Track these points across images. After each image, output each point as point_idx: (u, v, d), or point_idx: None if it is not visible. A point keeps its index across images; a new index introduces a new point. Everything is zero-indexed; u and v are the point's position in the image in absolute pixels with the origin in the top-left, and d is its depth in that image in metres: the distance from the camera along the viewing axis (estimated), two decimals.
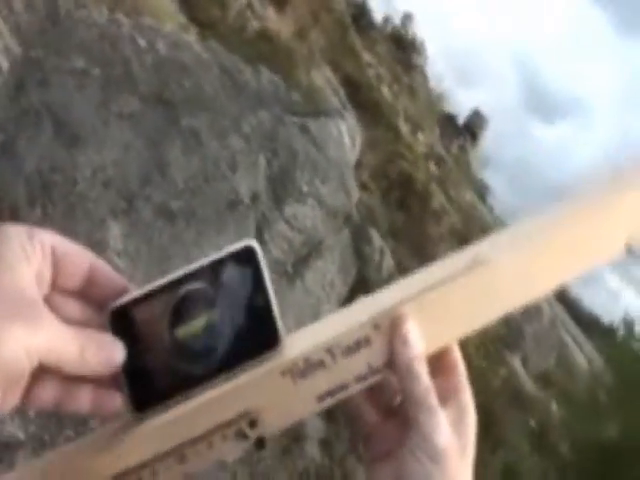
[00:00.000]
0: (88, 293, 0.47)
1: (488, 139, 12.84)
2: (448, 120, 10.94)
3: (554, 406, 6.42)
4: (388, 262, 4.19)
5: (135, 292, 0.48)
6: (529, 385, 6.15)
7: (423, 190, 6.19)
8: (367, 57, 7.77)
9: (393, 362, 0.50)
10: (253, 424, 0.49)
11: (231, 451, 0.50)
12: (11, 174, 1.96)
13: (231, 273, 0.49)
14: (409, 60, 10.41)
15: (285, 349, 0.50)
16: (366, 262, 3.74)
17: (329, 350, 0.49)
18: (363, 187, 4.60)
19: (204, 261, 0.49)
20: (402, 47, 10.59)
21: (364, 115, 5.23)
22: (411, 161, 6.37)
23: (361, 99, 6.21)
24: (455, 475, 0.50)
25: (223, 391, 0.49)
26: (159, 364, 0.48)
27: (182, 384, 0.49)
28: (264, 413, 0.48)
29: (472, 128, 11.94)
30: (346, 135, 4.39)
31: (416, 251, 5.06)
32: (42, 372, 0.44)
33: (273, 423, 0.49)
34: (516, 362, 6.27)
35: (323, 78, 5.05)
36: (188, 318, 0.48)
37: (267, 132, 3.52)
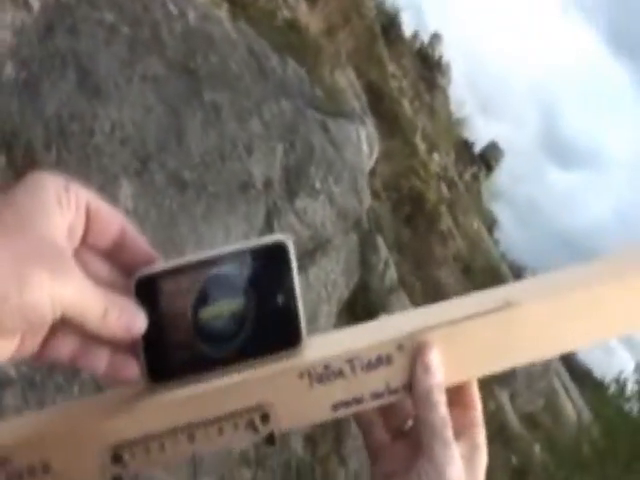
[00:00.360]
0: (116, 257, 0.48)
1: (502, 173, 12.93)
2: (464, 146, 11.02)
3: (537, 448, 6.43)
4: (392, 274, 4.21)
5: (164, 264, 0.49)
6: (515, 423, 6.16)
7: (432, 210, 6.22)
8: (392, 68, 7.83)
9: (413, 386, 0.51)
10: (265, 419, 0.50)
11: (240, 441, 0.50)
12: (31, 114, 1.97)
13: (261, 265, 0.50)
14: (433, 79, 10.49)
15: (305, 350, 0.51)
16: (370, 270, 3.76)
17: (350, 361, 0.50)
18: (375, 196, 4.63)
19: (236, 247, 0.50)
20: (428, 66, 10.68)
21: (382, 125, 5.26)
22: (424, 179, 6.40)
23: (381, 109, 6.25)
24: None
25: (239, 380, 0.50)
26: (178, 340, 0.49)
27: (199, 364, 0.50)
28: (277, 410, 0.50)
29: (487, 159, 12.02)
30: (365, 141, 4.42)
31: (419, 269, 5.08)
32: (62, 325, 0.45)
33: (285, 422, 0.50)
34: (504, 398, 6.29)
35: (347, 81, 5.08)
36: (213, 301, 0.49)
37: (287, 123, 3.54)
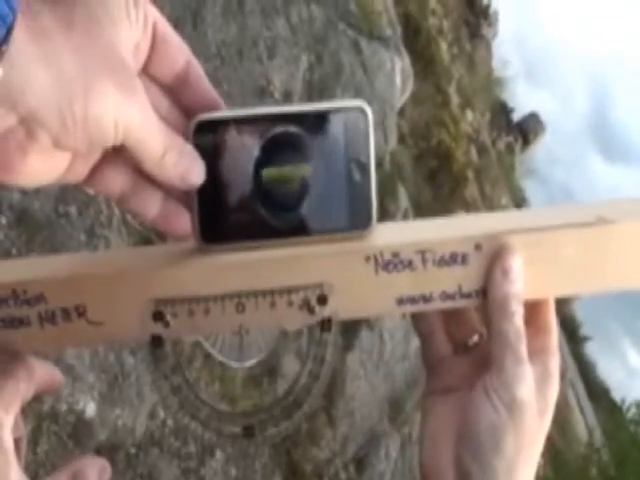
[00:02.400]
0: (177, 95, 0.49)
1: (540, 150, 12.89)
2: (502, 111, 10.98)
3: (540, 462, 6.52)
4: None
5: (228, 111, 0.49)
6: None
7: (459, 173, 6.22)
8: (433, 4, 7.79)
9: (488, 292, 0.53)
10: (322, 300, 0.51)
11: (293, 321, 0.52)
12: None
13: (337, 131, 0.50)
14: (477, 27, 10.43)
15: (374, 235, 0.52)
16: (387, 218, 3.78)
17: (422, 252, 0.51)
18: (400, 139, 4.64)
19: (311, 107, 0.50)
20: (473, 10, 10.61)
21: (415, 64, 5.25)
22: (453, 136, 6.40)
23: (416, 46, 6.23)
24: (528, 434, 0.53)
25: (299, 253, 0.51)
26: (236, 200, 0.50)
27: (256, 231, 0.51)
28: (337, 294, 0.51)
29: (526, 130, 11.98)
30: (399, 74, 4.42)
31: None
32: (115, 157, 0.47)
33: (344, 308, 0.52)
34: None
35: (383, 5, 5.06)
36: (278, 161, 0.50)
37: (316, 32, 3.54)
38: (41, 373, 0.53)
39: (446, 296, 0.52)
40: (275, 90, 3.02)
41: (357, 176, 0.51)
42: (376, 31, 4.34)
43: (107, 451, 1.73)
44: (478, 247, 0.52)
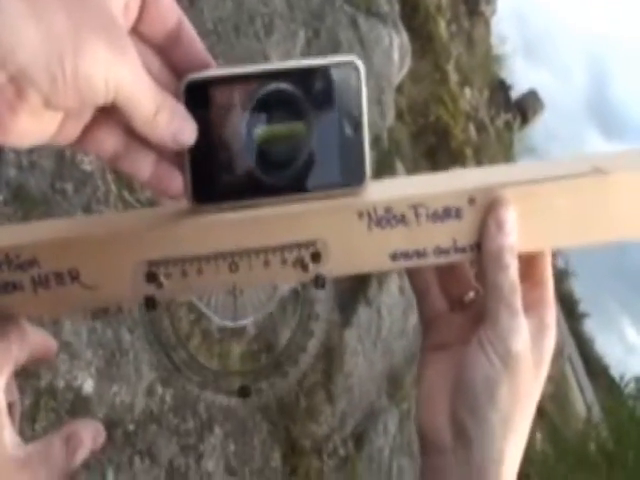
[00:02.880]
0: (168, 54, 0.49)
1: (539, 128, 12.85)
2: (500, 88, 10.93)
3: (539, 437, 6.55)
4: None
5: (219, 70, 0.49)
6: None
7: (457, 150, 6.21)
8: None
9: (482, 245, 0.53)
10: (316, 258, 0.51)
11: (287, 278, 0.52)
12: None
13: (328, 87, 0.50)
14: (476, 5, 10.36)
15: (367, 192, 0.52)
16: None
17: (414, 207, 0.51)
18: (398, 116, 4.62)
19: (301, 63, 0.50)
20: None
21: (413, 41, 5.22)
22: (452, 113, 6.38)
23: (414, 23, 6.19)
24: (523, 386, 0.53)
25: (292, 211, 0.51)
26: (229, 159, 0.50)
27: (250, 190, 0.51)
28: (330, 250, 0.51)
29: (525, 108, 11.93)
30: (397, 50, 4.41)
31: None
32: (107, 117, 0.46)
33: (337, 265, 0.52)
34: None
35: None
36: (271, 119, 0.50)
37: (313, 8, 3.52)
38: (35, 338, 0.53)
39: (440, 251, 0.53)
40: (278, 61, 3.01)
41: (350, 132, 0.51)
42: (374, 7, 4.31)
43: (105, 428, 1.73)
44: (472, 201, 0.52)
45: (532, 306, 0.54)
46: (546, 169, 0.55)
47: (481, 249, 0.52)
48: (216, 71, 0.49)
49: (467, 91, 7.85)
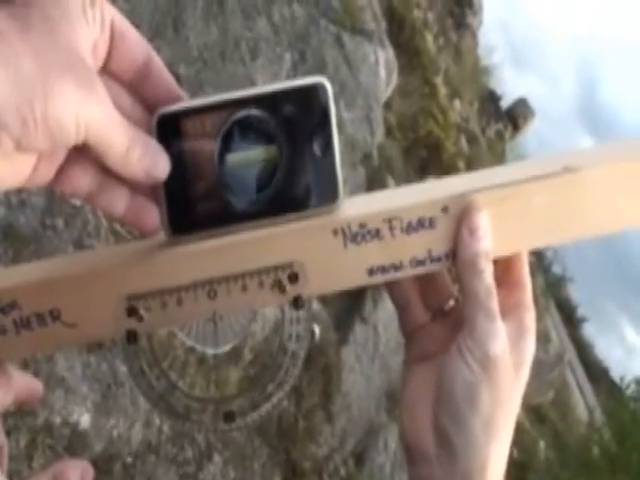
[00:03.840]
0: (138, 90, 0.49)
1: (530, 135, 12.89)
2: (490, 98, 10.98)
3: (542, 444, 6.54)
4: None
5: (189, 102, 0.49)
6: (520, 414, 6.23)
7: (449, 162, 6.22)
8: None
9: (457, 252, 0.53)
10: (293, 279, 0.51)
11: (265, 301, 0.52)
12: None
13: (297, 109, 0.51)
14: (462, 17, 10.41)
15: (341, 209, 0.52)
16: None
17: (388, 221, 0.51)
18: (388, 132, 4.63)
19: (269, 88, 0.50)
20: (458, 1, 10.59)
21: (401, 57, 5.25)
22: (442, 126, 6.39)
23: (401, 39, 6.21)
24: (504, 389, 0.53)
25: (267, 234, 0.51)
26: (203, 189, 0.51)
27: (225, 216, 0.51)
28: (307, 270, 0.51)
29: (515, 116, 11.97)
30: (383, 67, 4.42)
31: None
32: (79, 156, 0.46)
33: (315, 284, 0.52)
34: None
35: (366, 0, 5.05)
36: (242, 146, 0.50)
37: (298, 30, 3.53)
38: (20, 382, 0.54)
39: (417, 262, 0.53)
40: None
41: (321, 150, 0.51)
42: (359, 25, 4.33)
43: (104, 462, 1.73)
44: (445, 209, 0.52)
45: (511, 309, 0.54)
46: (519, 171, 0.55)
47: (456, 257, 0.53)
48: (186, 103, 0.50)
49: (457, 103, 7.87)
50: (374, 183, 3.82)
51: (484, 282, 0.52)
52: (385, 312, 3.48)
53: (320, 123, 0.51)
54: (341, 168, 0.52)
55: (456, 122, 7.54)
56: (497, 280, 0.53)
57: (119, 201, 0.49)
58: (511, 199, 0.52)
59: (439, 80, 7.27)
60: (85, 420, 1.68)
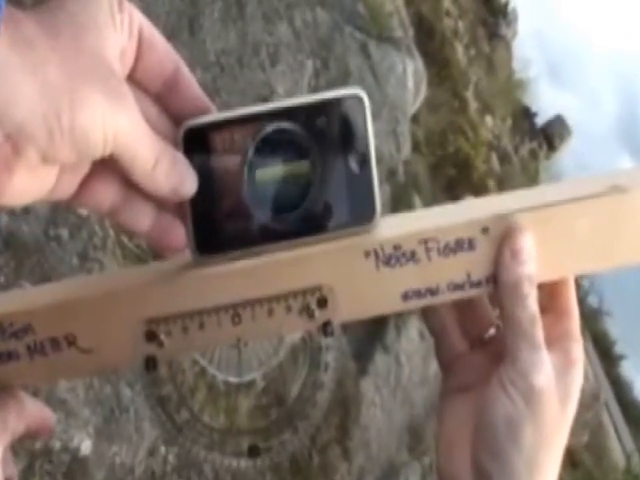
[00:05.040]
0: (165, 101, 0.50)
1: (566, 155, 12.86)
2: (524, 115, 10.97)
3: None
4: None
5: (218, 114, 0.50)
6: None
7: (479, 182, 6.22)
8: (448, 4, 7.81)
9: (498, 277, 0.53)
10: (322, 303, 0.52)
11: (292, 327, 0.52)
12: None
13: (331, 122, 0.51)
14: (495, 27, 10.44)
15: (375, 230, 0.52)
16: None
17: (424, 242, 0.52)
18: (415, 147, 4.64)
19: (302, 100, 0.51)
20: (491, 9, 10.63)
21: (430, 68, 5.26)
22: (472, 143, 6.39)
23: (430, 49, 6.24)
24: (548, 425, 0.53)
25: (294, 256, 0.51)
26: (231, 207, 0.51)
27: (254, 236, 0.51)
28: (337, 294, 0.51)
29: (551, 135, 11.94)
30: (411, 77, 4.43)
31: None
32: (104, 169, 0.47)
33: (346, 309, 0.52)
34: None
35: (393, 5, 5.08)
36: (272, 161, 0.51)
37: (321, 36, 3.56)
38: (32, 410, 0.54)
39: (455, 286, 0.53)
40: (278, 99, 3.03)
41: (357, 168, 0.51)
42: (386, 33, 4.35)
43: None
44: (485, 230, 0.52)
45: (556, 339, 0.54)
46: (563, 191, 0.55)
47: (497, 281, 0.52)
48: (215, 116, 0.50)
49: (488, 119, 7.88)
50: (399, 201, 3.83)
51: (528, 308, 0.52)
52: (409, 341, 3.47)
53: (356, 137, 0.51)
54: (379, 185, 0.52)
55: (487, 139, 7.54)
56: (542, 307, 0.53)
57: (144, 218, 0.50)
58: (556, 220, 0.52)
59: (470, 94, 7.28)
60: (86, 446, 1.69)
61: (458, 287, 0.53)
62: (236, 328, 0.51)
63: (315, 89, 3.30)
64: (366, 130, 0.51)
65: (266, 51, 3.03)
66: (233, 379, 0.57)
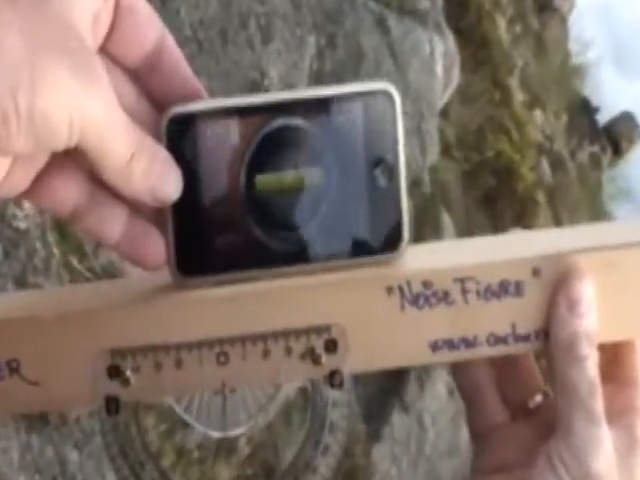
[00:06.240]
0: (145, 80, 0.51)
1: (636, 163, 12.85)
2: (584, 110, 10.97)
3: None
4: None
5: (211, 101, 0.51)
6: None
7: (524, 193, 6.21)
8: None
9: (550, 331, 0.53)
10: (331, 347, 0.52)
11: (292, 374, 0.52)
12: None
13: (353, 122, 0.51)
14: None
15: (401, 261, 0.53)
16: None
17: (461, 281, 0.52)
18: (445, 150, 4.65)
19: (318, 92, 0.51)
20: None
21: (463, 49, 5.28)
22: (517, 146, 6.40)
23: (463, 25, 6.26)
24: None
25: (301, 286, 0.52)
26: (223, 218, 0.51)
27: (249, 257, 0.52)
28: (350, 337, 0.52)
29: (616, 136, 11.92)
30: (440, 60, 4.43)
31: None
32: (66, 160, 0.48)
33: (360, 357, 0.52)
34: None
35: None
36: (277, 165, 0.51)
37: (328, 6, 3.57)
38: None
39: (496, 339, 0.53)
40: (271, 85, 3.03)
41: (382, 181, 0.52)
42: (408, 4, 4.36)
43: None
44: (536, 272, 0.52)
45: (619, 413, 0.54)
46: (633, 231, 0.56)
47: (549, 336, 0.53)
48: (207, 103, 0.50)
49: (538, 114, 7.88)
50: (424, 219, 3.83)
51: (586, 373, 0.52)
52: (435, 399, 3.47)
53: (383, 143, 0.52)
54: (408, 204, 0.53)
55: (536, 140, 7.55)
56: (602, 373, 0.53)
57: (113, 224, 0.50)
58: (624, 266, 0.52)
59: (514, 82, 7.30)
60: None
61: (500, 340, 0.53)
62: (222, 370, 0.51)
63: (318, 74, 3.30)
64: (395, 134, 0.52)
65: (256, 24, 3.03)
66: (215, 433, 0.57)
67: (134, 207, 0.51)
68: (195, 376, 0.51)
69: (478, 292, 0.52)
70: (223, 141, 0.50)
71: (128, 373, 0.51)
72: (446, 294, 0.52)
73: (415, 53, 4.10)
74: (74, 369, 0.51)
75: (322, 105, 0.51)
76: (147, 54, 0.49)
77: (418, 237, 3.74)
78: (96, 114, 0.43)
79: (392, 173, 0.52)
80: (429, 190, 4.03)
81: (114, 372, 0.51)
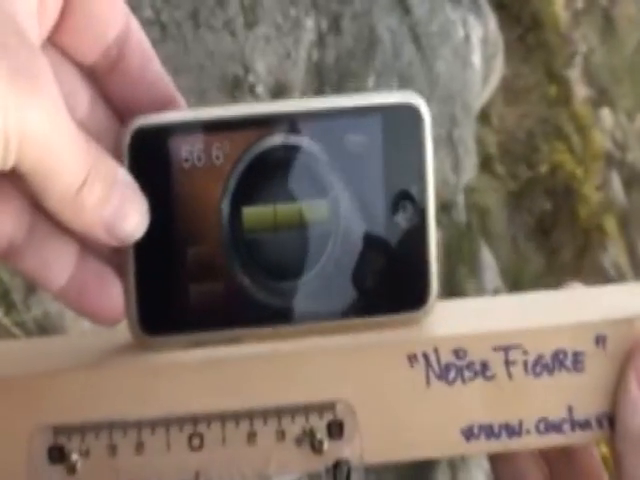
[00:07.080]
0: (104, 82, 0.51)
1: None
2: None
3: None
4: None
5: (186, 111, 0.51)
6: None
7: (589, 219, 6.23)
8: None
9: (617, 418, 0.53)
10: (336, 430, 0.52)
11: (285, 464, 0.52)
12: None
13: (368, 143, 0.51)
14: None
15: (427, 322, 0.53)
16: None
17: (504, 350, 0.52)
18: (484, 164, 4.67)
19: (324, 104, 0.52)
20: None
21: (508, 33, 5.32)
22: (579, 157, 6.43)
23: (508, 1, 6.33)
24: None
25: (299, 351, 0.52)
26: (199, 261, 0.52)
27: (233, 311, 0.52)
28: (362, 418, 0.52)
29: None
30: (478, 48, 4.46)
31: None
32: (1, 186, 0.48)
33: (373, 444, 0.52)
34: None
35: None
36: (270, 195, 0.51)
37: None
38: None
39: (547, 425, 0.53)
40: (258, 81, 3.05)
41: (404, 221, 0.52)
42: None
43: None
44: (600, 341, 0.52)
45: None
46: None
47: (616, 423, 0.53)
48: (183, 113, 0.50)
49: (606, 115, 7.91)
50: (457, 255, 3.84)
51: None
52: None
53: (407, 170, 0.51)
54: (437, 250, 0.53)
55: (604, 149, 7.59)
56: None
57: (59, 266, 0.50)
58: None
59: (575, 73, 7.35)
60: None
61: (552, 427, 0.53)
62: (195, 456, 0.51)
63: (318, 67, 3.32)
64: (422, 161, 0.51)
65: (238, 2, 3.05)
66: None
67: (86, 245, 0.51)
68: (160, 464, 0.51)
69: (526, 365, 0.52)
70: (202, 163, 0.50)
71: (74, 457, 0.50)
72: (484, 366, 0.52)
73: (445, 39, 4.12)
74: (6, 448, 0.51)
75: (330, 121, 0.51)
76: (107, 47, 0.49)
77: (449, 282, 3.76)
78: (38, 128, 0.42)
79: (417, 210, 0.52)
80: (464, 218, 4.05)
81: (57, 455, 0.50)
